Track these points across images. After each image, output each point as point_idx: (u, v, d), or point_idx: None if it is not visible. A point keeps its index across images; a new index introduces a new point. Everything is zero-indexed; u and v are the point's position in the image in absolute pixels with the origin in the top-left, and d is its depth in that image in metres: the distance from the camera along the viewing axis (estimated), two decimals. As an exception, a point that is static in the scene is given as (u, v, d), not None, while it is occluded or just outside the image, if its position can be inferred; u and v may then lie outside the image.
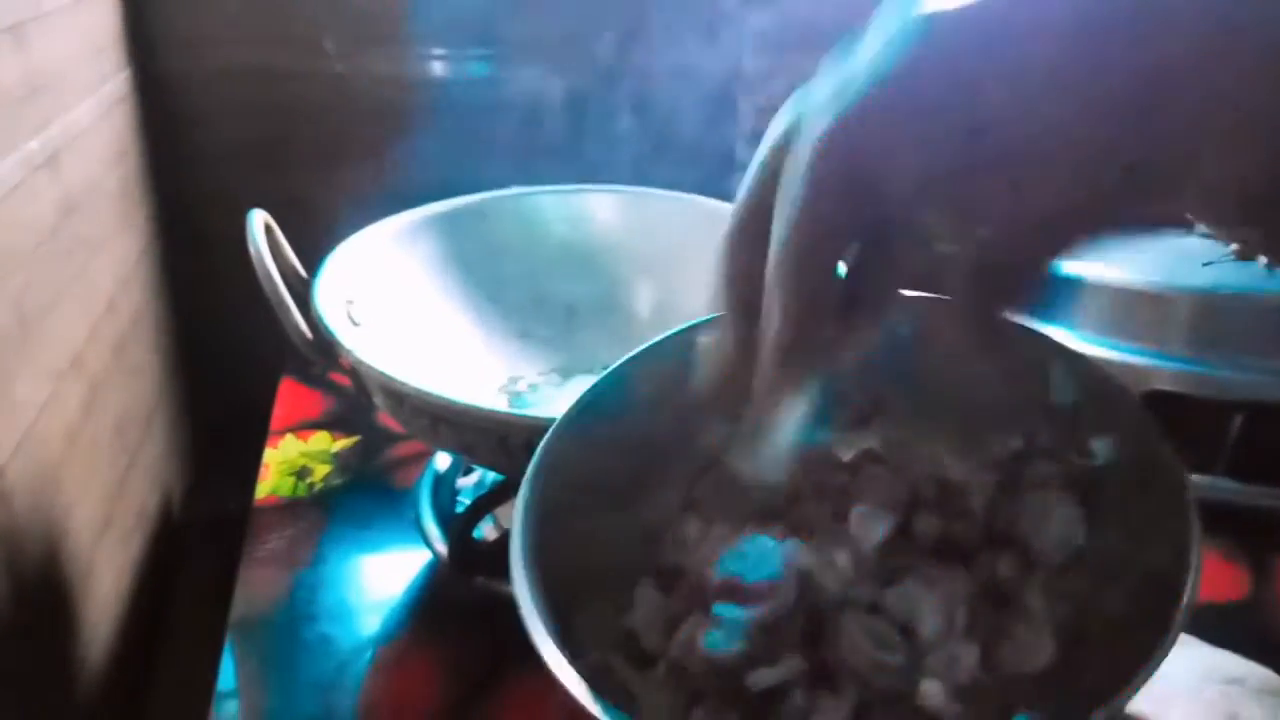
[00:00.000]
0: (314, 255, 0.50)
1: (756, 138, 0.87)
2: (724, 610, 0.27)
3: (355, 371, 0.45)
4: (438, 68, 0.84)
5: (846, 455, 0.30)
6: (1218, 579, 0.54)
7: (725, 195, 0.62)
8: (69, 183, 0.61)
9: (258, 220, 0.45)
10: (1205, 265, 0.67)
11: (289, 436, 0.65)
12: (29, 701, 0.49)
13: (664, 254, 0.62)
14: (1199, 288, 0.65)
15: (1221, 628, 0.50)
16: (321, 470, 0.62)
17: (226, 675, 0.46)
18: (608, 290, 0.63)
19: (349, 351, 0.43)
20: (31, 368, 0.53)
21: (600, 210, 0.63)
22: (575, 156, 0.82)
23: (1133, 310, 0.66)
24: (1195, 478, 0.59)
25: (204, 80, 0.80)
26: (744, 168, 0.86)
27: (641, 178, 0.70)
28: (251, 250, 0.44)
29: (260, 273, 0.43)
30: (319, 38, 0.81)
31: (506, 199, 0.62)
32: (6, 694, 0.47)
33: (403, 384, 0.40)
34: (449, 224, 0.59)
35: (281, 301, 0.43)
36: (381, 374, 0.41)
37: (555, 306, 0.62)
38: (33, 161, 0.55)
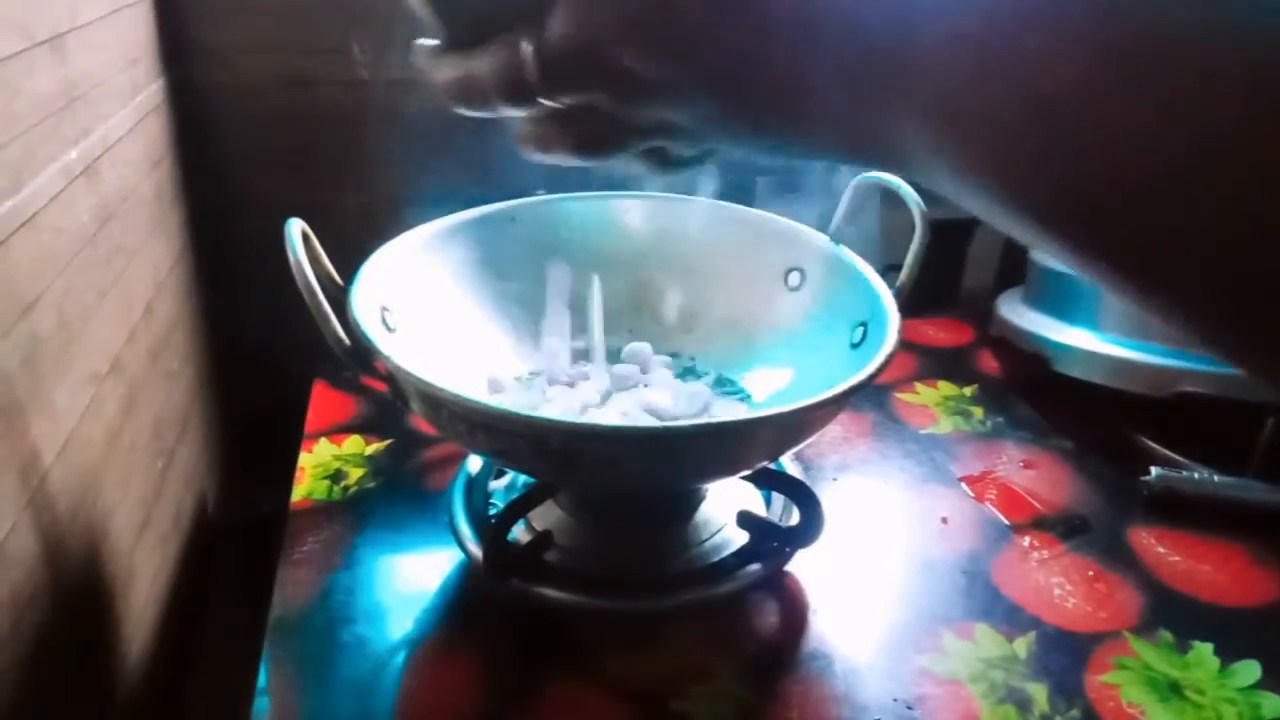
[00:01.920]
0: (342, 261, 0.51)
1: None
2: None
3: (392, 377, 0.46)
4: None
5: None
6: (1248, 582, 0.54)
7: (748, 200, 0.63)
8: (106, 191, 0.62)
9: (296, 229, 0.46)
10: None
11: (323, 440, 0.66)
12: (72, 702, 0.50)
13: (689, 258, 0.63)
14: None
15: (1256, 632, 0.50)
16: (355, 473, 0.63)
17: (264, 676, 0.47)
18: (636, 294, 0.63)
19: (388, 359, 0.43)
20: (73, 373, 0.54)
21: (627, 215, 0.64)
22: (600, 161, 0.82)
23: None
24: (1228, 479, 0.59)
25: (235, 89, 0.81)
26: (761, 173, 0.86)
27: (666, 183, 0.70)
28: (291, 259, 0.44)
29: (300, 281, 0.44)
30: (347, 46, 0.81)
31: (535, 205, 0.62)
32: (51, 695, 0.48)
33: (441, 390, 0.41)
34: (479, 230, 0.60)
35: (321, 310, 0.44)
36: (420, 380, 0.42)
37: (584, 310, 0.62)
38: (71, 170, 0.56)
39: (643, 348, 0.60)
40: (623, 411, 0.55)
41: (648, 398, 0.55)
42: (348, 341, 0.45)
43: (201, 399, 0.80)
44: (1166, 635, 0.50)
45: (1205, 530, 0.58)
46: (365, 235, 0.54)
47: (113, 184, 0.63)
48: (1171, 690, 0.47)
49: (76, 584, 0.52)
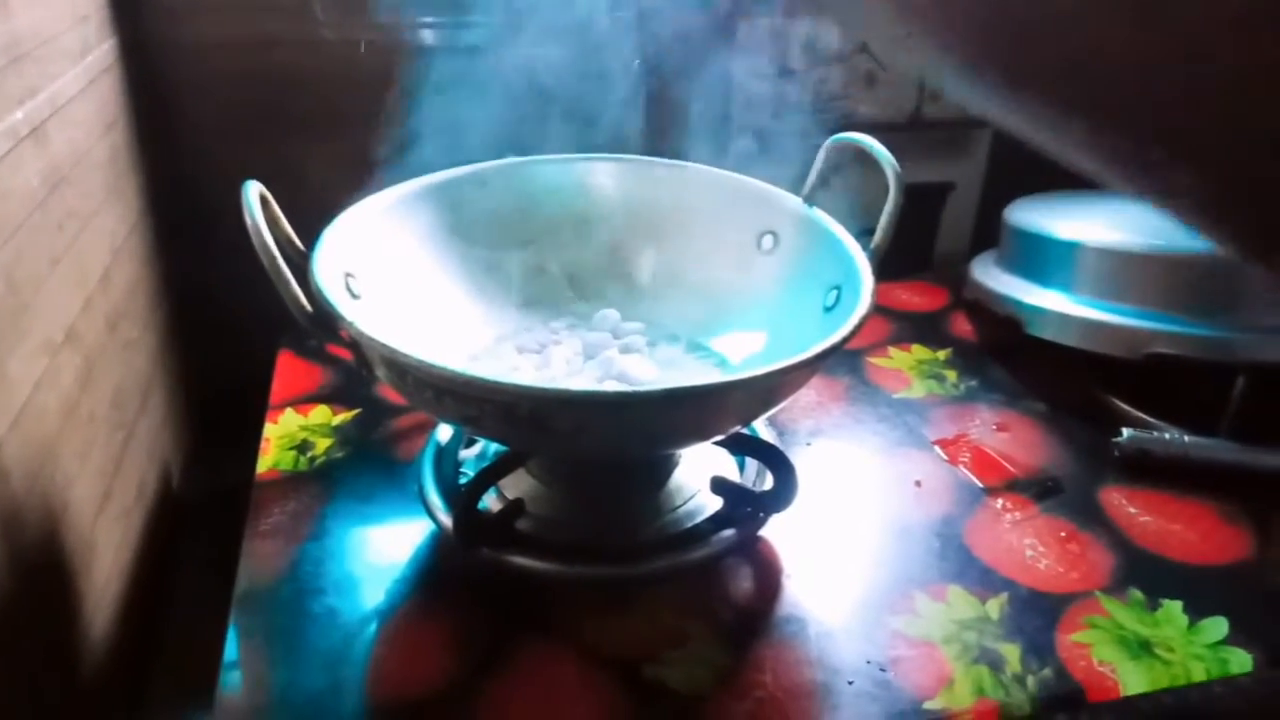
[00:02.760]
0: (306, 226, 0.49)
1: (752, 105, 0.86)
2: None
3: (356, 345, 0.44)
4: (429, 35, 0.83)
5: None
6: (1217, 541, 0.54)
7: (720, 162, 0.62)
8: (56, 154, 0.59)
9: (253, 191, 0.45)
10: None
11: (289, 411, 0.65)
12: (35, 678, 0.49)
13: (663, 221, 0.62)
14: (1199, 250, 0.64)
15: (1224, 589, 0.51)
16: (323, 444, 0.61)
17: (232, 649, 0.46)
18: (607, 259, 0.62)
19: (351, 325, 0.42)
20: (26, 342, 0.52)
21: (599, 178, 0.63)
22: (571, 125, 0.80)
23: (1133, 273, 0.66)
24: (1198, 440, 0.60)
25: (192, 49, 0.78)
26: (741, 134, 0.85)
27: (639, 146, 0.69)
28: (249, 223, 0.43)
29: (258, 246, 0.42)
30: (308, 5, 0.79)
31: (505, 168, 0.61)
32: (12, 671, 0.47)
33: (407, 356, 0.40)
34: (447, 194, 0.59)
35: (280, 275, 0.42)
36: (385, 347, 0.40)
37: (555, 276, 0.61)
38: (18, 132, 0.54)
39: (614, 314, 0.59)
40: (595, 378, 0.54)
41: (620, 364, 0.54)
42: (310, 308, 0.44)
43: (163, 369, 0.78)
44: (1137, 594, 0.50)
45: (1176, 490, 0.58)
46: (328, 200, 0.53)
47: (63, 147, 0.61)
48: (1142, 648, 0.47)
49: (36, 558, 0.50)
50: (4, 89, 0.53)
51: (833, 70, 0.91)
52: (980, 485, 0.59)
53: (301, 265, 0.46)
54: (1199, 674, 0.45)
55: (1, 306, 0.49)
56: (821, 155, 0.57)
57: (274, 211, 0.47)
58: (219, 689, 0.44)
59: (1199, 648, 0.47)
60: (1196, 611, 0.49)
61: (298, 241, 0.49)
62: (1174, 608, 0.49)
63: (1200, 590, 0.51)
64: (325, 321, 0.44)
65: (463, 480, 0.56)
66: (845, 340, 0.43)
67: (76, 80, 0.64)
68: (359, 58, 0.81)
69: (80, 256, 0.62)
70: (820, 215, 0.56)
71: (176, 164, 0.82)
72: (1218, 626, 0.48)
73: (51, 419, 0.54)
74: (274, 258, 0.42)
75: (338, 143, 0.81)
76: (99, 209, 0.66)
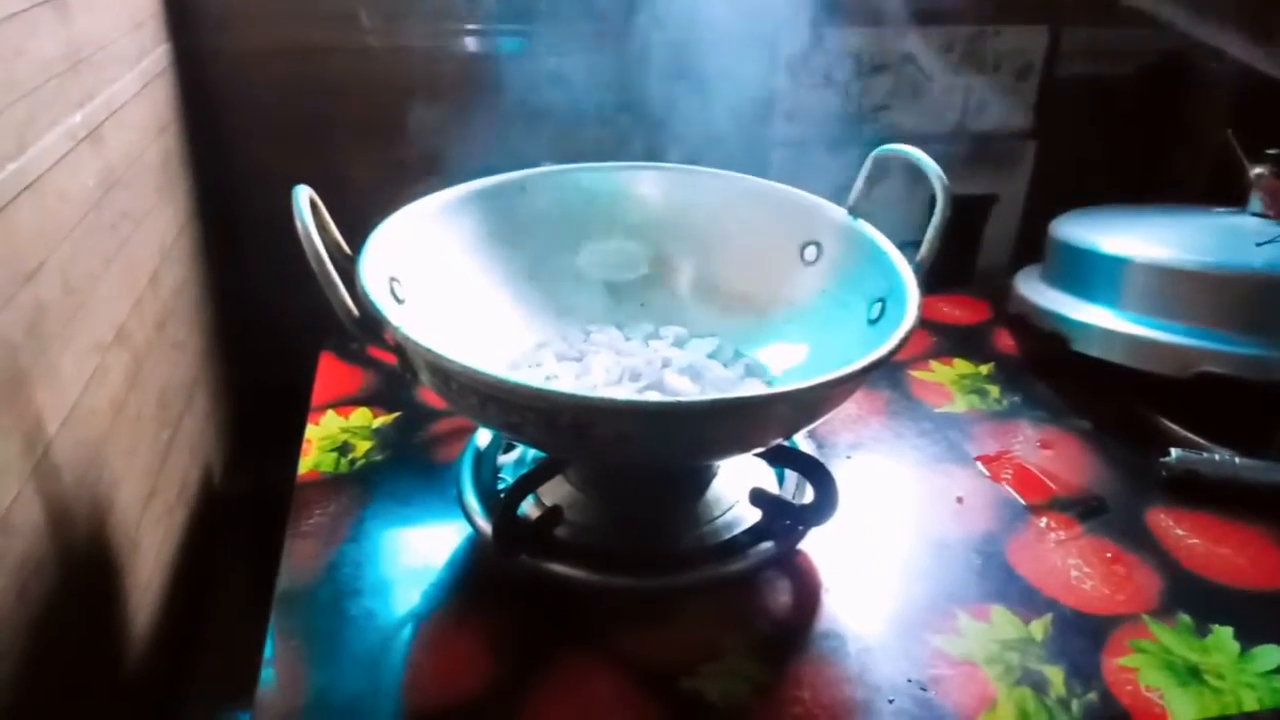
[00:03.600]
0: (350, 233, 0.50)
1: (795, 116, 0.86)
2: None
3: (401, 349, 0.45)
4: (472, 43, 0.84)
5: None
6: (1268, 565, 0.53)
7: (762, 172, 0.61)
8: (111, 156, 0.61)
9: (304, 196, 0.45)
10: (1259, 245, 0.65)
11: (330, 413, 0.65)
12: (78, 672, 0.50)
13: (705, 231, 0.62)
14: (1252, 267, 0.63)
15: (1273, 615, 0.50)
16: (363, 446, 0.62)
17: (270, 648, 0.47)
18: (648, 267, 0.62)
19: (397, 329, 0.42)
20: (78, 341, 0.53)
21: (640, 187, 0.63)
22: (612, 132, 0.81)
23: (1183, 291, 0.65)
24: (1249, 461, 0.58)
25: (241, 55, 0.80)
26: (782, 145, 0.85)
27: (678, 154, 0.69)
28: (299, 227, 0.43)
29: (308, 249, 0.43)
30: (355, 14, 0.80)
31: (547, 175, 0.61)
32: (57, 664, 0.48)
33: (452, 362, 0.40)
34: (489, 201, 0.59)
35: (329, 279, 0.43)
36: (431, 352, 0.41)
37: (595, 283, 0.61)
38: (76, 134, 0.55)
39: (653, 325, 0.59)
40: (635, 388, 0.54)
41: (660, 374, 0.54)
42: (356, 312, 0.44)
43: (208, 369, 0.79)
44: (1185, 618, 0.49)
45: (1225, 512, 0.57)
46: (373, 206, 0.53)
47: (118, 149, 0.62)
48: (1190, 674, 0.46)
49: (82, 553, 0.51)
50: (64, 93, 0.54)
51: (876, 81, 0.90)
52: (1023, 503, 0.58)
53: (347, 269, 0.47)
54: (1250, 703, 0.44)
55: (57, 306, 0.50)
56: (868, 166, 0.56)
57: (323, 216, 0.48)
58: (258, 687, 0.44)
59: (1251, 676, 0.46)
60: (1248, 638, 0.48)
61: (345, 246, 0.49)
62: (1224, 634, 0.48)
63: (1252, 616, 0.49)
64: (371, 325, 0.44)
65: (501, 486, 0.56)
66: (892, 354, 0.43)
67: (131, 85, 0.65)
68: (403, 65, 0.82)
69: (131, 257, 0.63)
70: (865, 227, 0.56)
71: (224, 167, 0.83)
72: (1271, 655, 0.47)
73: (101, 418, 0.55)
74: (323, 262, 0.43)
75: (381, 148, 0.82)
76: (150, 211, 0.68)
